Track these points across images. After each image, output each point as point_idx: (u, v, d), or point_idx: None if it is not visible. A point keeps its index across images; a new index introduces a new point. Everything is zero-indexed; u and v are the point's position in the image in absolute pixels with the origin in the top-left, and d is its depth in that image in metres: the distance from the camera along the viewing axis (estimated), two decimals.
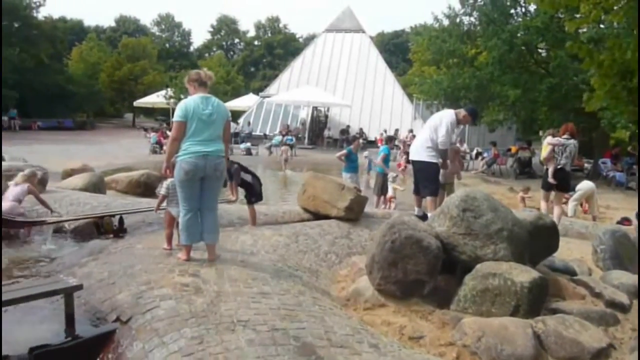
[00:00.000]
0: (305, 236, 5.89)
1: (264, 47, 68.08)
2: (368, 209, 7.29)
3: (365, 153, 12.88)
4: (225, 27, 71.85)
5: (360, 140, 11.74)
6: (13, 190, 6.17)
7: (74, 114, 39.38)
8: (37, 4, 37.77)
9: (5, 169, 7.41)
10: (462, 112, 6.73)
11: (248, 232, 5.79)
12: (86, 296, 3.83)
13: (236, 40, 73.74)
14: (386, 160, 10.05)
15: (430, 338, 3.73)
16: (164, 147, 20.40)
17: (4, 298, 3.28)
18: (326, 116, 30.37)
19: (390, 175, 10.04)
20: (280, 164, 17.69)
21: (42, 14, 39.86)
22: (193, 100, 4.40)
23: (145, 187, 9.91)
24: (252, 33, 71.88)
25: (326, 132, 28.50)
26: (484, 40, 18.26)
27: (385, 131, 26.97)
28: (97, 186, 8.53)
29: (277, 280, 4.26)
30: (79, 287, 3.60)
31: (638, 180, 10.12)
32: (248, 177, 6.16)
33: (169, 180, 4.74)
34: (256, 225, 6.27)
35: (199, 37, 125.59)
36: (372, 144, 25.87)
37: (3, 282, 4.59)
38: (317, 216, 6.85)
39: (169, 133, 21.09)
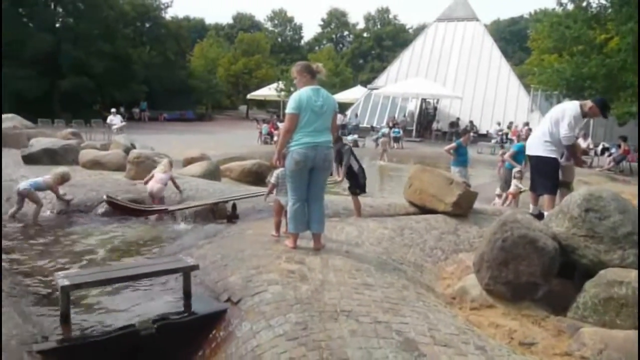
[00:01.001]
0: (411, 230, 5.79)
1: (373, 39, 67.80)
2: (478, 204, 6.98)
3: None
4: (335, 20, 72.62)
5: (471, 134, 11.26)
6: (159, 176, 7.02)
7: (194, 106, 42.42)
8: (166, 5, 41.16)
9: (135, 156, 8.20)
10: (589, 103, 6.07)
11: (353, 224, 5.83)
12: (202, 276, 4.10)
13: (345, 33, 74.25)
14: (519, 156, 9.51)
15: (544, 346, 3.48)
16: (275, 138, 21.25)
17: (134, 272, 3.63)
18: (435, 108, 29.57)
19: (514, 170, 9.50)
20: (383, 156, 17.80)
21: (169, 14, 43.39)
22: (306, 92, 4.47)
23: (256, 176, 10.42)
24: (361, 25, 71.95)
25: (435, 125, 27.77)
26: (616, 24, 16.50)
27: (499, 124, 25.65)
28: (213, 174, 9.12)
29: (381, 273, 4.24)
30: (196, 267, 3.87)
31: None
32: (355, 165, 6.20)
33: (279, 169, 4.91)
34: (361, 217, 6.29)
35: (310, 31, 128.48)
36: (483, 137, 24.76)
37: (134, 257, 5.12)
38: (424, 210, 6.70)
39: (279, 124, 21.93)
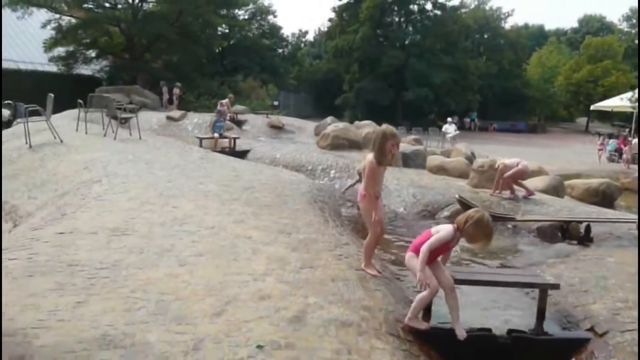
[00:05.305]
0: None
1: None
2: None
3: None
4: None
5: None
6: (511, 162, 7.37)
7: (526, 117, 40.80)
8: (506, 14, 40.95)
9: (479, 165, 8.38)
10: None
11: None
12: (557, 297, 3.90)
13: None
14: None
15: None
16: (624, 156, 18.48)
17: (494, 279, 3.72)
18: None
19: None
20: None
21: (508, 23, 42.92)
22: None
23: (603, 197, 9.45)
24: None
25: None
26: None
27: None
28: (556, 190, 8.57)
29: None
30: (557, 286, 3.67)
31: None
32: None
33: None
34: None
35: None
36: None
37: (479, 264, 5.27)
38: None
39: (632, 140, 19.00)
